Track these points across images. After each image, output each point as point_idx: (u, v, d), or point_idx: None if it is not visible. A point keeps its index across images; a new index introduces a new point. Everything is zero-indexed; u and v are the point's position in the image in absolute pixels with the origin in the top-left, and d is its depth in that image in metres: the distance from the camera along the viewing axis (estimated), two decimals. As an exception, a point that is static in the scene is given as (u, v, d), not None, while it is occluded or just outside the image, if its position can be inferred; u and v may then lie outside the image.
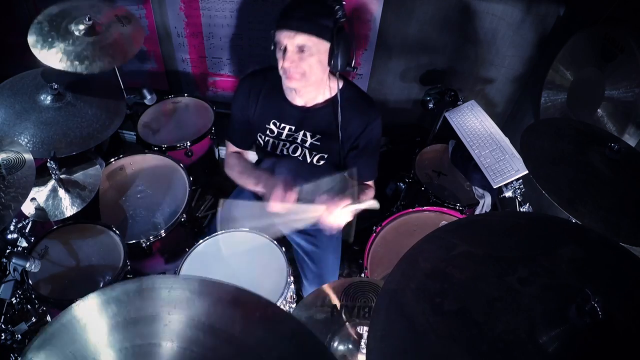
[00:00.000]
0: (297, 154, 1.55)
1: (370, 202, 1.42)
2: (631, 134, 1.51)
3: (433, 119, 2.28)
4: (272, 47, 1.39)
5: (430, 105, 2.14)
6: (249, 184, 1.57)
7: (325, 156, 1.53)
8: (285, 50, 1.34)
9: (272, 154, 1.59)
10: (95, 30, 1.78)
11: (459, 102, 2.13)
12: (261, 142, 1.58)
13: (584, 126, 1.47)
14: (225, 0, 2.25)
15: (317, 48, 1.34)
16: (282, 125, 1.53)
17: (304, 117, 1.50)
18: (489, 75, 2.33)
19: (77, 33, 1.75)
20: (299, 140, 1.53)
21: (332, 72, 1.46)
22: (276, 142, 1.55)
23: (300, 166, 1.57)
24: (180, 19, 2.36)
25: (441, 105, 2.15)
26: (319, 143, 1.51)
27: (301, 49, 1.33)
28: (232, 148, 1.69)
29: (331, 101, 1.49)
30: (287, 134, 1.53)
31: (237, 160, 1.66)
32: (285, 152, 1.56)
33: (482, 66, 2.29)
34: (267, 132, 1.55)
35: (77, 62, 1.69)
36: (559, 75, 1.86)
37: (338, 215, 1.39)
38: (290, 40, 1.32)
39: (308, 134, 1.51)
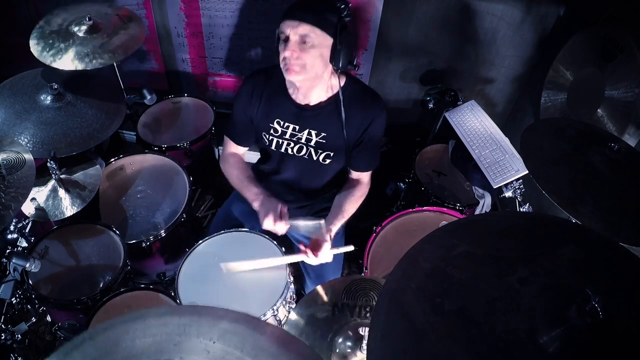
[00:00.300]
0: (302, 153, 1.55)
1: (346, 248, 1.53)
2: (631, 134, 1.51)
3: (433, 119, 2.28)
4: (276, 44, 1.38)
5: (430, 105, 2.14)
6: (244, 193, 1.57)
7: (332, 154, 1.53)
8: (287, 39, 1.33)
9: (277, 152, 1.59)
10: (95, 29, 1.78)
11: (459, 102, 2.13)
12: (266, 140, 1.58)
13: (584, 126, 1.47)
14: (225, 0, 2.25)
15: (320, 41, 1.33)
16: (286, 124, 1.52)
17: (307, 115, 1.50)
18: (489, 75, 2.33)
19: (79, 34, 1.76)
20: (303, 140, 1.53)
21: (335, 70, 1.45)
22: (280, 141, 1.55)
23: (307, 164, 1.57)
24: (180, 19, 2.36)
25: (441, 105, 2.15)
26: (324, 141, 1.51)
27: (303, 40, 1.32)
28: (231, 146, 1.68)
29: (335, 98, 1.49)
30: (290, 134, 1.53)
31: (237, 164, 1.66)
32: (290, 152, 1.56)
33: (482, 66, 2.29)
34: (271, 130, 1.55)
35: (77, 61, 1.70)
36: (559, 75, 1.86)
37: (323, 255, 1.46)
38: (293, 30, 1.32)
39: (313, 133, 1.51)
